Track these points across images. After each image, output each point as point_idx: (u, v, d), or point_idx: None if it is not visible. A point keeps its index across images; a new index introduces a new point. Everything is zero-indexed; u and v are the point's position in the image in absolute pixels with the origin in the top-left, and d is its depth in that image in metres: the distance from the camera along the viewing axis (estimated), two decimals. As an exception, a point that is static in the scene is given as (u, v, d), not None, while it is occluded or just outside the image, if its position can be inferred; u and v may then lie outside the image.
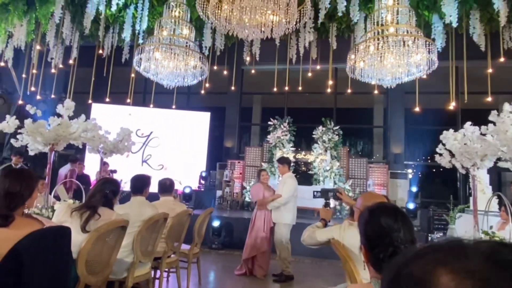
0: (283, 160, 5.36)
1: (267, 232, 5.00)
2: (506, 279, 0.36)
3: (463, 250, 0.40)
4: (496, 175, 10.00)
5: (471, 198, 4.54)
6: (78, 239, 2.32)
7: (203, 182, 9.10)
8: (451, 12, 4.91)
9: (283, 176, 5.24)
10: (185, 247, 4.11)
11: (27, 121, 3.63)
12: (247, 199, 8.79)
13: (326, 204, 2.80)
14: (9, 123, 3.69)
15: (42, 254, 1.81)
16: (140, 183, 3.34)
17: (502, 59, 5.84)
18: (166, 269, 3.93)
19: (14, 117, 3.76)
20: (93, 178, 7.71)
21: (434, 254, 0.41)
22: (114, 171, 7.68)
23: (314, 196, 2.91)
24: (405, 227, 1.15)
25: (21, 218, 1.84)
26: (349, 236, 2.14)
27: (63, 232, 1.98)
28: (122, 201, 4.86)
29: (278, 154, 8.84)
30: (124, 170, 8.15)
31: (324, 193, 2.94)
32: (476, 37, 5.83)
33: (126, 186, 6.60)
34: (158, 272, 3.62)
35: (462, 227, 4.16)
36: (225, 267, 5.51)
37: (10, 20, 6.18)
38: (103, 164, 7.16)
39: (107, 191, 2.69)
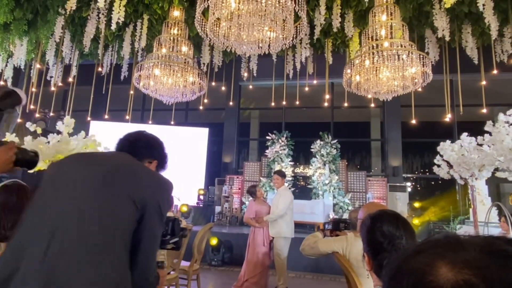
0: (282, 174, 5.38)
1: (267, 246, 4.96)
2: (501, 266, 0.38)
3: (460, 244, 0.43)
4: (495, 187, 10.02)
5: (471, 210, 4.55)
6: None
7: (201, 198, 9.06)
8: (443, 26, 5.04)
9: (279, 190, 5.24)
10: (184, 263, 4.06)
11: (27, 138, 3.65)
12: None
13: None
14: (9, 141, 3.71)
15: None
16: None
17: (495, 72, 5.94)
18: (166, 286, 3.87)
19: (14, 134, 3.77)
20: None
21: (433, 249, 0.43)
22: None
23: (326, 228, 2.83)
24: (407, 233, 1.16)
25: None
26: (355, 249, 2.12)
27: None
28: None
29: (276, 168, 8.85)
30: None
31: (336, 224, 2.87)
32: (469, 50, 5.95)
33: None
34: (158, 289, 3.56)
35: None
36: (225, 284, 5.42)
37: (11, 40, 6.28)
38: None
39: None
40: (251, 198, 5.22)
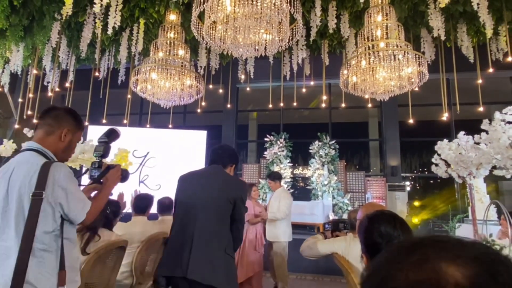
0: (274, 176, 5.33)
1: (260, 249, 4.88)
2: (505, 261, 0.39)
3: (455, 243, 0.42)
4: (494, 185, 10.04)
5: (469, 208, 4.56)
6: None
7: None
8: (438, 26, 5.06)
9: (277, 191, 5.20)
10: (185, 267, 4.05)
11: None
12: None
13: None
14: (6, 147, 3.70)
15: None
16: (143, 203, 3.32)
17: (491, 70, 5.97)
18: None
19: (12, 140, 3.77)
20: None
21: (433, 254, 0.41)
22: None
23: (326, 229, 2.85)
24: (405, 233, 1.17)
25: None
26: (354, 250, 2.13)
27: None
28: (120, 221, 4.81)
29: (275, 169, 8.85)
30: (121, 191, 8.08)
31: (335, 225, 2.89)
32: (465, 49, 5.98)
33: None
34: (158, 293, 3.56)
35: (462, 236, 4.15)
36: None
37: (8, 46, 6.27)
38: None
39: (108, 212, 2.67)
40: (247, 199, 5.19)
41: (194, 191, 2.27)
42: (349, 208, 8.27)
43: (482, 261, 0.39)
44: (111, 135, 2.07)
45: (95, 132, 8.97)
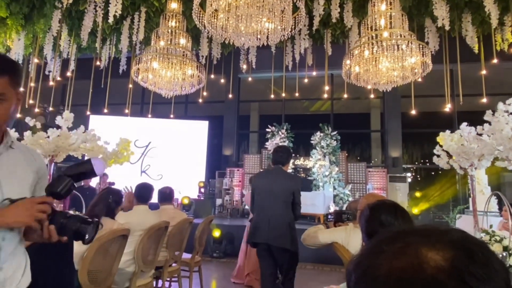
0: None
1: None
2: (479, 242, 0.44)
3: (433, 230, 0.46)
4: (495, 176, 10.04)
5: (470, 199, 4.56)
6: (80, 250, 2.32)
7: (202, 191, 9.09)
8: (443, 15, 4.99)
9: None
10: (186, 256, 4.09)
11: (27, 133, 3.65)
12: (247, 207, 8.77)
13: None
14: (9, 136, 3.71)
15: (46, 263, 1.81)
16: (145, 192, 3.33)
17: (495, 61, 5.91)
18: (168, 278, 3.90)
19: (14, 129, 3.77)
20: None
21: (414, 241, 0.44)
22: (112, 184, 7.67)
23: (328, 220, 2.87)
24: (405, 223, 1.17)
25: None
26: (354, 239, 2.14)
27: (66, 243, 1.98)
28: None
29: (277, 160, 8.86)
30: (123, 180, 8.13)
31: (338, 216, 2.91)
32: (469, 39, 5.91)
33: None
34: (160, 281, 3.60)
35: (463, 227, 4.17)
36: (227, 276, 5.47)
37: (8, 34, 6.23)
38: (103, 175, 7.15)
39: (110, 201, 2.69)
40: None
41: (267, 185, 3.37)
42: (350, 198, 8.30)
43: (459, 244, 0.43)
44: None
45: (96, 122, 8.98)
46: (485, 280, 0.40)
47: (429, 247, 0.43)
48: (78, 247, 2.18)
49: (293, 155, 9.21)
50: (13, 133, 3.72)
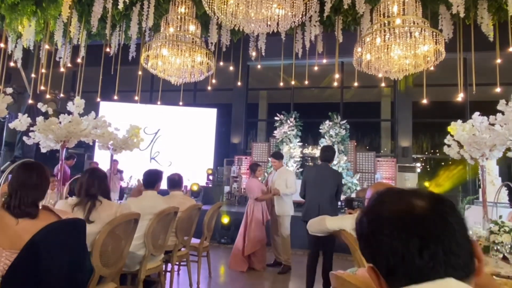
0: (279, 156, 5.47)
1: (265, 224, 5.14)
2: (447, 198, 0.67)
3: (419, 190, 0.70)
4: (506, 167, 9.90)
5: (480, 190, 4.51)
6: (91, 232, 2.37)
7: (211, 178, 9.16)
8: (457, 2, 4.86)
9: (281, 170, 5.32)
10: (195, 241, 4.16)
11: (39, 119, 3.70)
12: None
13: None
14: (21, 121, 3.77)
15: (59, 246, 1.86)
16: (152, 178, 3.39)
17: (511, 49, 5.75)
18: (177, 263, 3.99)
19: (26, 115, 3.83)
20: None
21: (406, 195, 0.69)
22: (121, 171, 7.78)
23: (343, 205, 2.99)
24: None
25: (42, 210, 1.90)
26: None
27: (78, 225, 2.03)
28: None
29: (285, 149, 8.86)
30: (133, 167, 8.24)
31: (349, 203, 2.94)
32: (485, 27, 5.74)
33: (134, 182, 6.70)
34: (169, 265, 3.68)
35: (472, 218, 4.14)
36: (235, 261, 5.56)
37: (20, 20, 6.27)
38: (113, 161, 7.24)
39: (99, 179, 2.68)
40: (251, 175, 5.28)
41: (317, 178, 4.31)
42: (358, 188, 8.28)
43: (436, 197, 0.67)
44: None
45: (106, 108, 9.06)
46: (456, 216, 0.64)
47: (416, 198, 0.65)
48: (89, 228, 2.23)
49: (301, 144, 9.21)
50: (25, 118, 3.79)
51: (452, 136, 3.72)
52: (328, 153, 4.38)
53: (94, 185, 2.61)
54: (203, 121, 10.07)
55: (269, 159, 5.78)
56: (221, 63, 7.82)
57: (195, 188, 7.86)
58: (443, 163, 11.19)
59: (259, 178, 5.38)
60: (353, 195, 7.63)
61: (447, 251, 0.59)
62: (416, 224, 0.61)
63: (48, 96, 7.72)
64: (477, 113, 3.50)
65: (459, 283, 0.59)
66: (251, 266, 5.05)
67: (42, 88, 7.34)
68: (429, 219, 0.61)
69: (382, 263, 0.63)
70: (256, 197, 5.09)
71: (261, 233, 5.05)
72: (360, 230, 0.70)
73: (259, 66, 8.43)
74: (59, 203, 2.86)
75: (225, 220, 6.70)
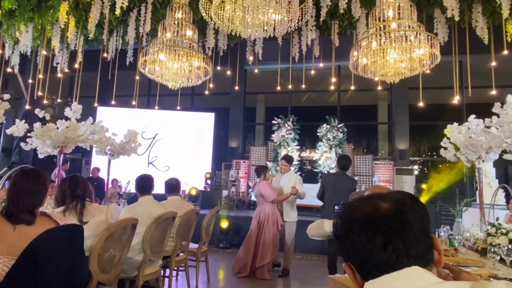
0: (291, 160, 5.46)
1: (279, 229, 5.02)
2: (411, 197, 0.79)
3: (384, 194, 0.80)
4: (503, 169, 9.95)
5: (477, 192, 4.53)
6: (88, 236, 2.37)
7: (209, 182, 9.15)
8: (452, 6, 4.91)
9: (288, 173, 5.30)
10: (193, 246, 4.15)
11: (37, 125, 3.70)
12: (253, 198, 8.82)
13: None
14: (19, 127, 3.77)
15: (57, 251, 1.86)
16: (146, 183, 3.38)
17: (505, 52, 5.81)
18: (175, 268, 3.97)
19: (23, 121, 3.83)
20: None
21: (373, 199, 0.78)
22: (116, 180, 7.77)
23: (336, 211, 2.93)
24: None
25: (39, 216, 1.90)
26: None
27: (76, 230, 2.03)
28: (129, 202, 4.92)
29: (282, 152, 8.87)
30: (130, 172, 8.22)
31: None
32: (479, 30, 5.80)
33: (132, 188, 6.68)
34: (168, 270, 3.67)
35: (469, 220, 4.16)
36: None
37: (17, 26, 6.27)
38: (94, 168, 7.22)
39: (83, 182, 2.66)
40: (259, 178, 5.19)
41: (336, 184, 4.74)
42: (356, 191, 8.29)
43: (398, 199, 0.75)
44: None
45: (104, 113, 9.05)
46: (415, 214, 0.73)
47: (381, 200, 0.74)
48: (86, 233, 2.22)
49: (299, 147, 9.23)
50: (23, 124, 3.79)
51: (448, 138, 3.74)
52: (345, 162, 4.90)
53: (78, 187, 2.59)
54: (201, 125, 10.08)
55: (280, 161, 5.72)
56: (219, 68, 7.85)
57: (193, 192, 7.85)
58: (440, 166, 11.22)
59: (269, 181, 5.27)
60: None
61: (407, 244, 0.68)
62: (380, 223, 0.70)
63: (45, 101, 7.71)
64: (473, 116, 3.53)
65: (421, 270, 0.67)
66: (257, 276, 4.87)
67: (40, 93, 7.34)
68: (391, 218, 0.71)
69: (355, 258, 0.72)
70: (273, 199, 5.00)
71: (275, 247, 4.91)
72: (336, 232, 0.79)
73: (256, 70, 8.45)
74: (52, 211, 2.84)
75: (224, 224, 6.69)
